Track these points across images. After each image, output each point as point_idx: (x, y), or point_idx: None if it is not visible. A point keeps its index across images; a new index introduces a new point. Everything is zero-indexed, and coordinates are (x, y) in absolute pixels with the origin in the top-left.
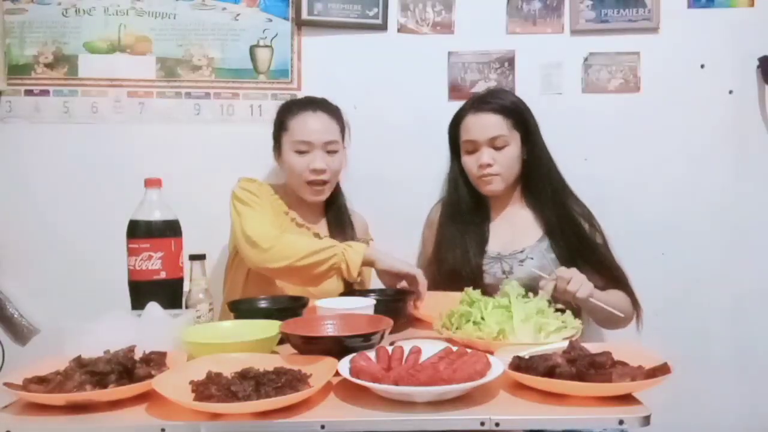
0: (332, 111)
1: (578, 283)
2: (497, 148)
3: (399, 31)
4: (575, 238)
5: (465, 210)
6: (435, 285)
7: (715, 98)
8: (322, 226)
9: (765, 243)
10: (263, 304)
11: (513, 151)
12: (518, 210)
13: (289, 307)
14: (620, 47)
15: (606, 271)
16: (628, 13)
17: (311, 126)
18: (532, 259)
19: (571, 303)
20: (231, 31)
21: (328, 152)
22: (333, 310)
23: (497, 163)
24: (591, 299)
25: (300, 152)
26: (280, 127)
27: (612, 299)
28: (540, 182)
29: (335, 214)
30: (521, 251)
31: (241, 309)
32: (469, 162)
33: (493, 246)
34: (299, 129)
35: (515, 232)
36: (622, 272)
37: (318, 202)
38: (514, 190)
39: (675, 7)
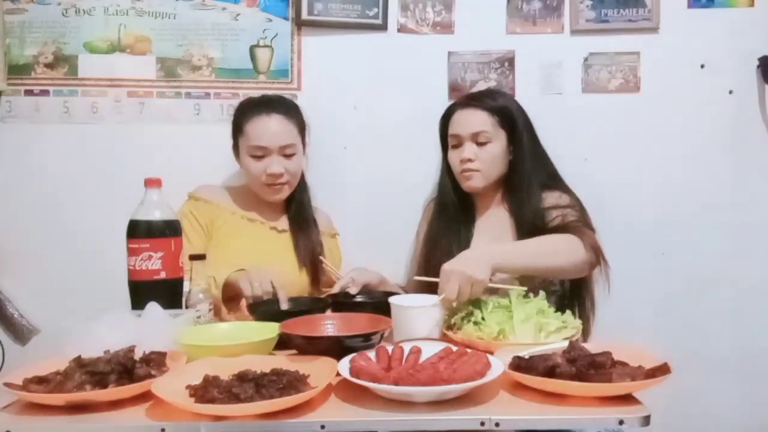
0: (289, 111)
1: (455, 292)
2: (480, 144)
3: (399, 31)
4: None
5: (451, 208)
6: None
7: (715, 98)
8: (282, 222)
9: (765, 243)
10: (283, 305)
11: (495, 148)
12: (502, 211)
13: (311, 309)
14: (620, 47)
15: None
16: (628, 13)
17: (266, 131)
18: None
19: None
20: (231, 31)
21: (285, 155)
22: (404, 307)
23: (478, 159)
24: (490, 284)
25: (256, 157)
26: (236, 129)
27: (539, 243)
28: (519, 185)
29: (297, 211)
30: None
31: (260, 311)
32: (453, 156)
33: (479, 245)
34: (254, 134)
35: (499, 233)
36: (585, 222)
37: (283, 199)
38: (499, 190)
39: (675, 7)
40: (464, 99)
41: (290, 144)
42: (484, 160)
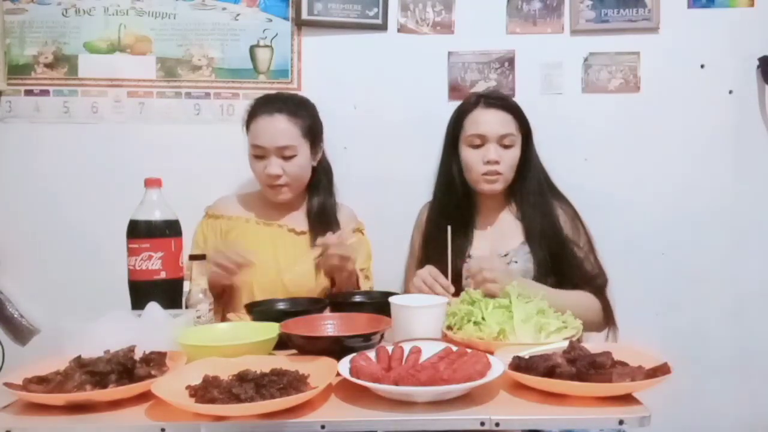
0: (295, 111)
1: (487, 275)
2: (505, 147)
3: (399, 31)
4: (553, 246)
5: (453, 209)
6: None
7: (715, 98)
8: (301, 224)
9: (765, 243)
10: (281, 306)
11: (516, 153)
12: (505, 213)
13: (309, 310)
14: (620, 47)
15: (583, 278)
16: (628, 13)
17: (265, 130)
18: (516, 262)
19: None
20: (231, 31)
21: (284, 157)
22: (404, 307)
23: (502, 162)
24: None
25: (256, 156)
26: (246, 127)
27: (564, 299)
28: (527, 187)
29: (317, 211)
30: (505, 255)
31: (258, 311)
32: (472, 156)
33: (480, 250)
34: (254, 133)
35: (501, 235)
36: (603, 280)
37: (289, 200)
38: (503, 194)
39: (675, 7)
40: (482, 98)
41: (288, 146)
42: (507, 163)
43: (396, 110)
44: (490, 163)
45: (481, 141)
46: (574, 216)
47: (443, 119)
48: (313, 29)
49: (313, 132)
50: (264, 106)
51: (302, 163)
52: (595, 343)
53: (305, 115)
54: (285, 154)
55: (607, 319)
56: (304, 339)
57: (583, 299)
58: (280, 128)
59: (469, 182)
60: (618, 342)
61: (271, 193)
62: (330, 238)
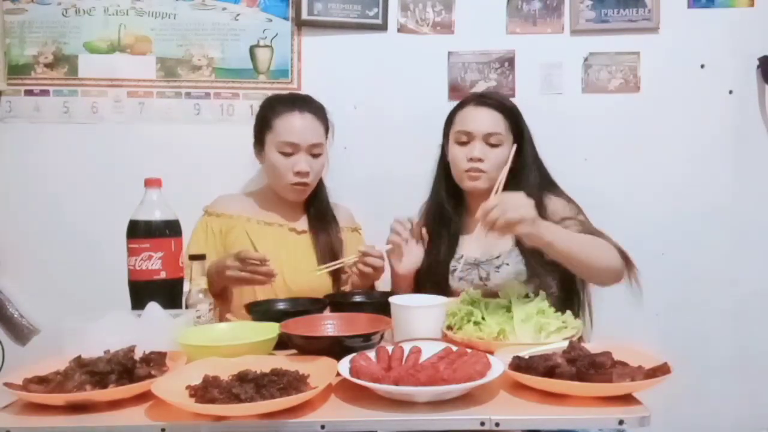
0: (317, 111)
1: (500, 211)
2: (490, 145)
3: (399, 31)
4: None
5: (445, 209)
6: (411, 286)
7: (715, 98)
8: (302, 223)
9: (765, 243)
10: (281, 305)
11: (504, 152)
12: None
13: (309, 310)
14: (620, 47)
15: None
16: (628, 13)
17: (297, 128)
18: (507, 265)
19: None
20: (231, 31)
21: (313, 155)
22: (404, 307)
23: (487, 160)
24: (522, 230)
25: (284, 153)
26: (263, 125)
27: (581, 241)
28: (515, 187)
29: (316, 209)
30: (497, 257)
31: (258, 311)
32: (458, 153)
33: (472, 252)
34: (285, 130)
35: (492, 237)
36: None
37: (299, 201)
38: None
39: (675, 7)
40: (476, 96)
41: (319, 143)
42: (493, 162)
43: (396, 110)
44: (473, 160)
45: (467, 138)
46: (569, 200)
47: (443, 119)
48: (313, 29)
49: (327, 133)
50: (288, 103)
51: (324, 162)
52: (595, 343)
53: (324, 115)
54: (314, 151)
55: (626, 264)
56: (304, 339)
57: (600, 242)
58: (312, 126)
59: (455, 180)
60: (641, 286)
61: (292, 192)
62: (373, 249)
